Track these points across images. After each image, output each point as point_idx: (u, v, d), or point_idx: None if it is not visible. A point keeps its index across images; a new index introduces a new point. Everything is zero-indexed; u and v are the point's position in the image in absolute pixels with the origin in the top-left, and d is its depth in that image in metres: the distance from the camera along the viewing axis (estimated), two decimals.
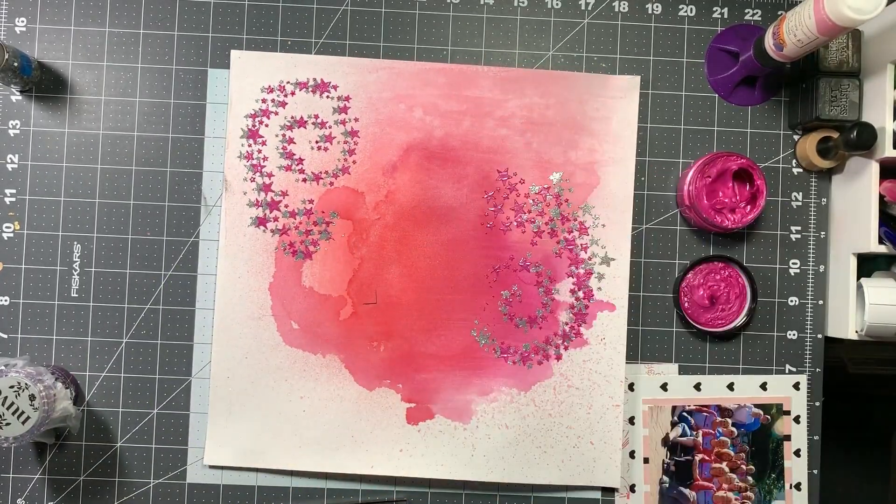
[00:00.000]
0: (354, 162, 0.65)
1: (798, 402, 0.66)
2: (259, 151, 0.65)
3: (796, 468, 0.66)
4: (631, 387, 0.65)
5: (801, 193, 0.67)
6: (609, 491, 0.65)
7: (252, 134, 0.65)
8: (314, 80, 0.65)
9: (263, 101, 0.65)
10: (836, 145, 0.62)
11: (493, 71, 0.65)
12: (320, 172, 0.65)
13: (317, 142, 0.65)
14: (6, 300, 0.65)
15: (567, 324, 0.65)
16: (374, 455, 0.64)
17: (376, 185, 0.65)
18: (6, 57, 0.58)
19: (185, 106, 0.66)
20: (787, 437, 0.66)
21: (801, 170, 0.67)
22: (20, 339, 0.64)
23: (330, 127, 0.65)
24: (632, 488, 0.65)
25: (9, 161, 0.65)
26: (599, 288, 0.65)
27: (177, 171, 0.65)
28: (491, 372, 0.65)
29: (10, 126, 0.65)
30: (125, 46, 0.66)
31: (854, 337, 0.63)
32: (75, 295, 0.65)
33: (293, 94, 0.65)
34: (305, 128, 0.65)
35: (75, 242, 0.65)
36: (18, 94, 0.65)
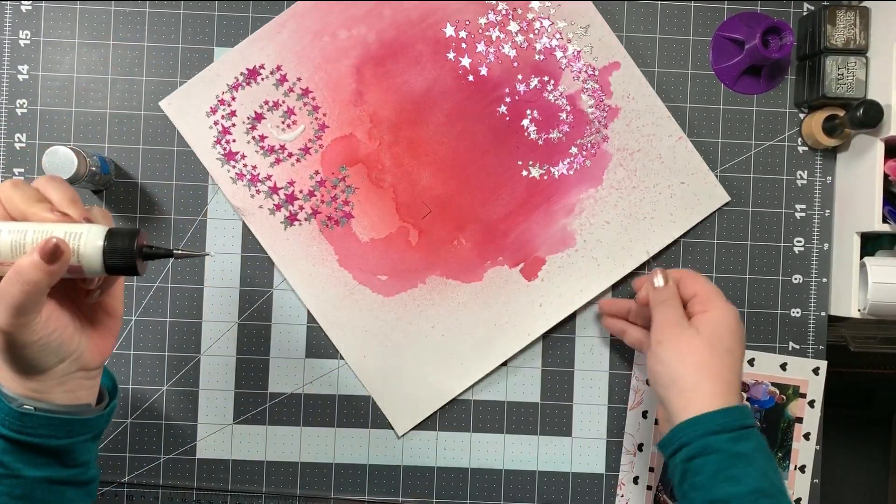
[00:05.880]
0: (325, 114, 0.65)
1: (815, 387, 0.66)
2: (245, 166, 0.64)
3: (804, 451, 0.66)
4: None
5: (806, 171, 0.67)
6: None
7: (229, 155, 0.64)
8: (241, 74, 0.64)
9: (216, 123, 0.64)
10: (842, 123, 0.63)
11: None
12: (306, 143, 0.65)
13: (283, 122, 0.65)
14: None
15: (591, 106, 0.65)
16: (521, 325, 0.65)
17: (356, 118, 0.65)
18: (88, 167, 0.58)
19: None
20: (799, 420, 0.66)
21: (806, 148, 0.67)
22: None
23: (283, 102, 0.65)
24: (640, 447, 0.66)
25: (17, 140, 0.65)
26: (593, 56, 0.65)
27: (183, 150, 0.66)
28: (562, 189, 0.65)
29: (18, 105, 0.65)
30: (131, 25, 0.66)
31: (857, 315, 0.63)
32: None
33: (233, 99, 0.64)
34: (265, 118, 0.65)
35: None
36: (26, 73, 0.65)
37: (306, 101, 0.65)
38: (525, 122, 0.65)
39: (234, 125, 0.64)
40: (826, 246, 0.67)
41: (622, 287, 0.67)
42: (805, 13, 0.67)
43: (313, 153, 0.65)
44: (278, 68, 0.64)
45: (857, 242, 0.64)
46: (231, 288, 0.66)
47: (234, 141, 0.65)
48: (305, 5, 0.64)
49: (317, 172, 0.65)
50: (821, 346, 0.67)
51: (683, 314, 0.56)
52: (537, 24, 0.65)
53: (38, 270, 0.39)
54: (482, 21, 0.65)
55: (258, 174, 0.65)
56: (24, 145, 0.65)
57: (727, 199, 0.66)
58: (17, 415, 0.42)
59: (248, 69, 0.64)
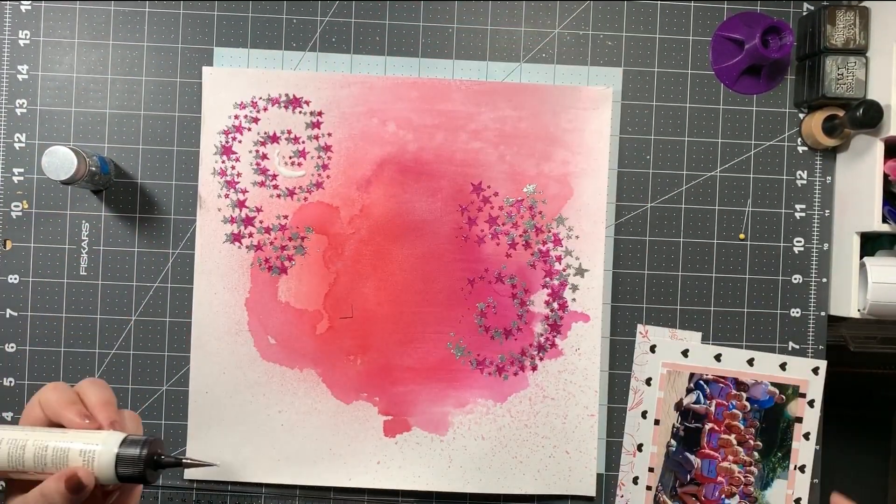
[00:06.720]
0: (329, 177, 0.65)
1: (815, 387, 0.66)
2: (233, 167, 0.64)
3: (803, 450, 0.66)
4: (653, 349, 0.66)
5: (805, 172, 0.67)
6: (586, 500, 0.66)
7: (225, 150, 0.64)
8: (286, 95, 0.64)
9: (236, 117, 0.64)
10: (841, 123, 0.63)
11: (465, 84, 0.65)
12: (294, 188, 0.65)
13: (290, 157, 0.65)
14: (15, 278, 0.65)
15: (542, 335, 0.65)
16: (352, 468, 0.65)
17: (350, 199, 0.65)
18: (88, 166, 0.59)
19: (192, 85, 0.66)
20: (799, 420, 0.66)
21: (806, 148, 0.67)
22: (30, 316, 0.65)
23: (303, 142, 0.65)
24: (639, 447, 0.66)
25: (16, 140, 0.65)
26: (574, 299, 0.65)
27: (183, 150, 0.66)
28: (467, 384, 0.65)
29: (17, 105, 0.65)
30: (130, 25, 0.66)
31: (857, 315, 0.63)
32: (84, 273, 0.65)
33: (265, 109, 0.64)
34: (279, 143, 0.65)
35: (83, 221, 0.65)
36: (25, 73, 0.65)
37: (321, 156, 0.65)
38: (480, 305, 0.65)
39: (249, 129, 0.64)
40: (826, 246, 0.67)
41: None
42: (805, 13, 0.67)
43: (295, 200, 0.65)
44: (319, 113, 0.64)
45: (856, 242, 0.64)
46: None
47: (239, 142, 0.64)
48: (380, 82, 0.64)
49: (285, 217, 0.65)
50: (820, 346, 0.67)
51: None
52: (549, 244, 0.65)
53: (63, 498, 0.42)
54: (509, 201, 0.65)
55: (237, 183, 0.64)
56: (23, 145, 0.65)
57: (592, 494, 0.65)
58: None
59: (294, 95, 0.64)
